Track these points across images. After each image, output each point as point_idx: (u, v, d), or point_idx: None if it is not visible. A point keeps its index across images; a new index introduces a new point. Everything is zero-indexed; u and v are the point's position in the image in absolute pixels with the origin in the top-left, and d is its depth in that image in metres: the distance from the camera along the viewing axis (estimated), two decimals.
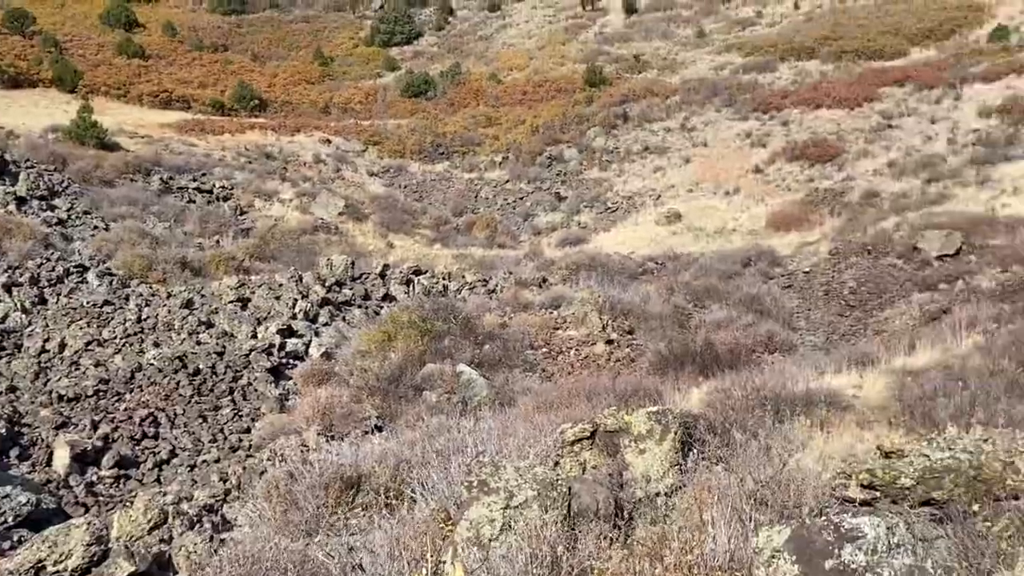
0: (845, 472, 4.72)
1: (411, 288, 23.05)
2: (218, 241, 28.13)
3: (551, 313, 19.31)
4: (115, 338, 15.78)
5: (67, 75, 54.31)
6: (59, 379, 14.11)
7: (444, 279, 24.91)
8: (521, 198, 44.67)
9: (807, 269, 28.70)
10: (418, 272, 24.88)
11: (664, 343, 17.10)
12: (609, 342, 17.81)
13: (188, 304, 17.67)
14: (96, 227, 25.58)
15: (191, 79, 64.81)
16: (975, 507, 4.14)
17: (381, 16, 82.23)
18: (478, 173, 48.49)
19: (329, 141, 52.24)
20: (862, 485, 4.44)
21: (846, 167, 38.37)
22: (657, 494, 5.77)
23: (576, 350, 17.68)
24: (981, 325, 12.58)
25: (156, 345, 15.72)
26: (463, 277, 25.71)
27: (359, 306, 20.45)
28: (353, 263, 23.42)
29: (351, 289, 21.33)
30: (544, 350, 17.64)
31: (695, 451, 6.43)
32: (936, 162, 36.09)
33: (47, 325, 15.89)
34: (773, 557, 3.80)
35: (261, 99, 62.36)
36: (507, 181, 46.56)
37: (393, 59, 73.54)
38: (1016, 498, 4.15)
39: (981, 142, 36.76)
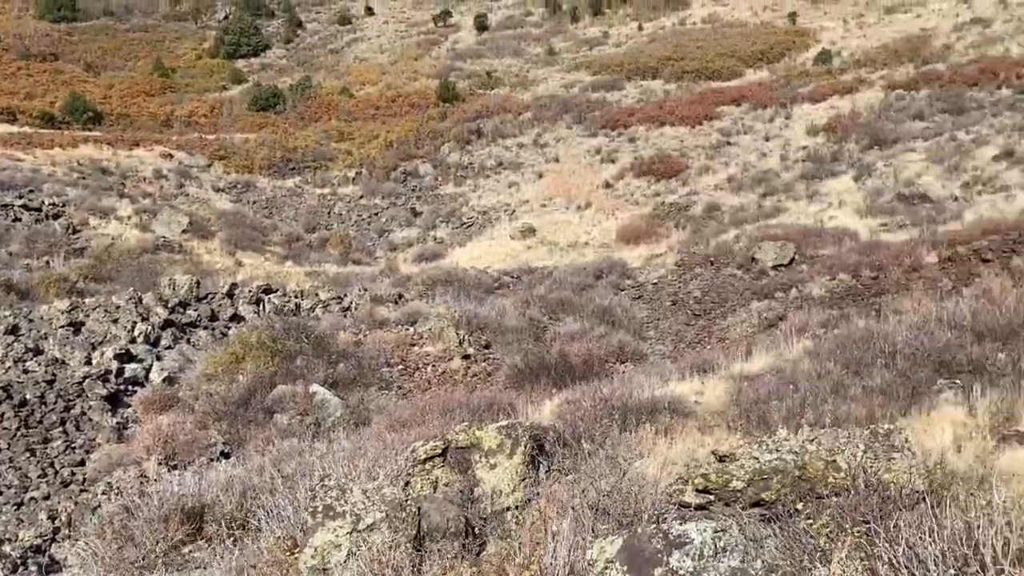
0: (683, 477, 4.89)
1: (261, 307, 22.31)
2: (48, 262, 26.34)
3: (407, 329, 19.15)
4: None
5: None
6: None
7: (296, 297, 24.26)
8: (376, 214, 44.25)
9: (655, 280, 29.73)
10: (268, 291, 24.10)
11: (520, 356, 17.27)
12: (466, 357, 17.84)
13: (13, 330, 16.43)
14: None
15: (17, 90, 60.78)
16: (799, 505, 4.37)
17: (225, 27, 79.73)
18: (331, 188, 47.73)
19: (171, 156, 50.08)
20: (697, 490, 4.61)
21: (690, 182, 40.16)
22: (507, 509, 5.79)
23: (433, 366, 17.62)
24: (811, 330, 13.40)
25: None
26: (316, 295, 25.12)
27: (205, 328, 19.62)
28: (199, 283, 22.42)
29: (196, 310, 20.42)
30: (400, 367, 17.48)
31: (545, 464, 6.50)
32: (770, 177, 38.30)
33: None
34: (606, 568, 3.88)
35: (96, 111, 59.16)
36: (361, 197, 46.05)
37: (239, 71, 71.38)
38: (837, 495, 4.41)
39: (810, 158, 39.33)
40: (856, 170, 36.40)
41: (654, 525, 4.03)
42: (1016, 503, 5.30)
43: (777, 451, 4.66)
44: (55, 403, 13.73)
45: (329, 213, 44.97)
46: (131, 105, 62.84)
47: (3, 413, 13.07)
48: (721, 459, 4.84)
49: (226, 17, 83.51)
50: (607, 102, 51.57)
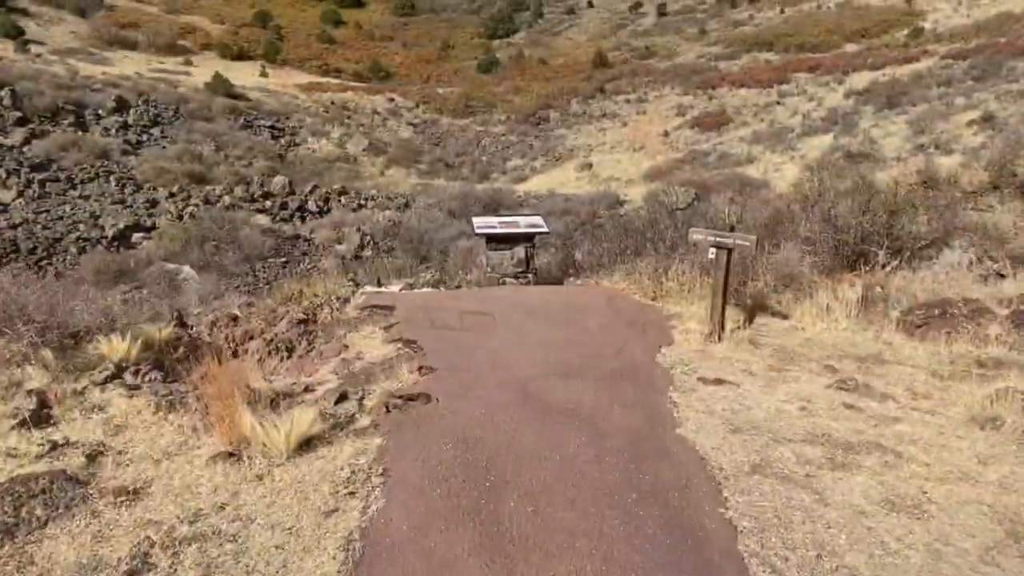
0: None
1: (328, 205, 38.28)
2: (250, 162, 43.57)
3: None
4: None
5: (271, 51, 75.76)
6: None
7: (365, 199, 39.63)
8: (507, 147, 58.52)
9: (623, 213, 40.51)
10: (343, 192, 39.96)
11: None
12: None
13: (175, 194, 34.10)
14: (163, 147, 41.37)
15: (353, 58, 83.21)
16: None
17: (492, 15, 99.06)
18: (486, 127, 62.72)
19: (393, 100, 67.67)
20: None
21: (724, 134, 49.28)
22: None
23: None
24: None
25: None
26: (384, 198, 40.30)
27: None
28: (291, 182, 38.79)
29: (274, 202, 36.80)
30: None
31: None
32: (783, 133, 46.32)
33: None
34: None
35: (387, 71, 79.55)
36: (503, 134, 60.57)
37: (491, 47, 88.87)
38: None
39: (824, 119, 46.53)
40: (842, 128, 43.27)
41: None
42: None
43: None
44: None
45: (478, 144, 59.93)
46: (411, 68, 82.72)
47: None
48: None
49: (497, 10, 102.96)
50: (717, 69, 60.22)
